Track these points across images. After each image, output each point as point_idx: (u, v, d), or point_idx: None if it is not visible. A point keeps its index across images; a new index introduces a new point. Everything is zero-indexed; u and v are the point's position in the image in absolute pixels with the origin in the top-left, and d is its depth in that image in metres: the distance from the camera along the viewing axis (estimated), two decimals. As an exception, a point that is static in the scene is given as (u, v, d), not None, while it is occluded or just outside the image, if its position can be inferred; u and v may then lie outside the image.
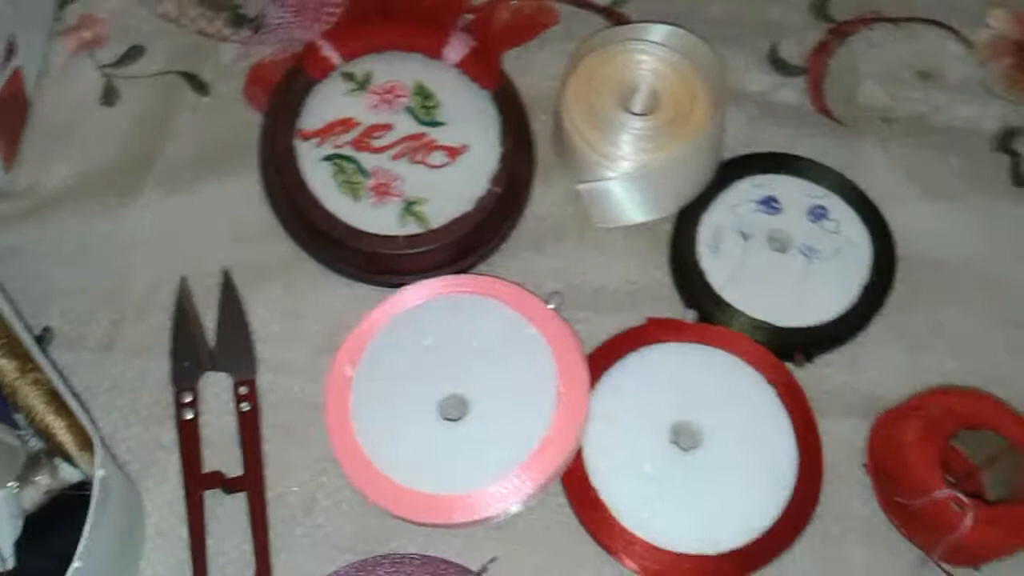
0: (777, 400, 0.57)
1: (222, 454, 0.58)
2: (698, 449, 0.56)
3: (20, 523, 0.52)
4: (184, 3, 0.70)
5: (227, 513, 0.56)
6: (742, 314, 0.60)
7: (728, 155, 0.65)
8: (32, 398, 0.53)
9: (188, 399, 0.58)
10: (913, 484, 0.53)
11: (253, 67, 0.67)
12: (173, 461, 0.57)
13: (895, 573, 0.55)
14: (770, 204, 0.63)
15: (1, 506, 0.52)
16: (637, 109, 0.63)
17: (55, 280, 0.62)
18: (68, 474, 0.54)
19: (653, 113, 0.62)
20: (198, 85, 0.68)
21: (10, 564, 0.50)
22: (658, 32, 0.64)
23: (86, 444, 0.53)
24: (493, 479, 0.54)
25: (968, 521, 0.51)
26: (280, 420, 0.59)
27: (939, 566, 0.54)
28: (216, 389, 0.60)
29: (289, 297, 0.62)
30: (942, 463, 0.53)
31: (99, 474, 0.47)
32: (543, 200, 0.65)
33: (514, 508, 0.55)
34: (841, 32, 0.72)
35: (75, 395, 0.50)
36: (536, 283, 0.61)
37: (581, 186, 0.62)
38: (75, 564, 0.45)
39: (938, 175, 0.67)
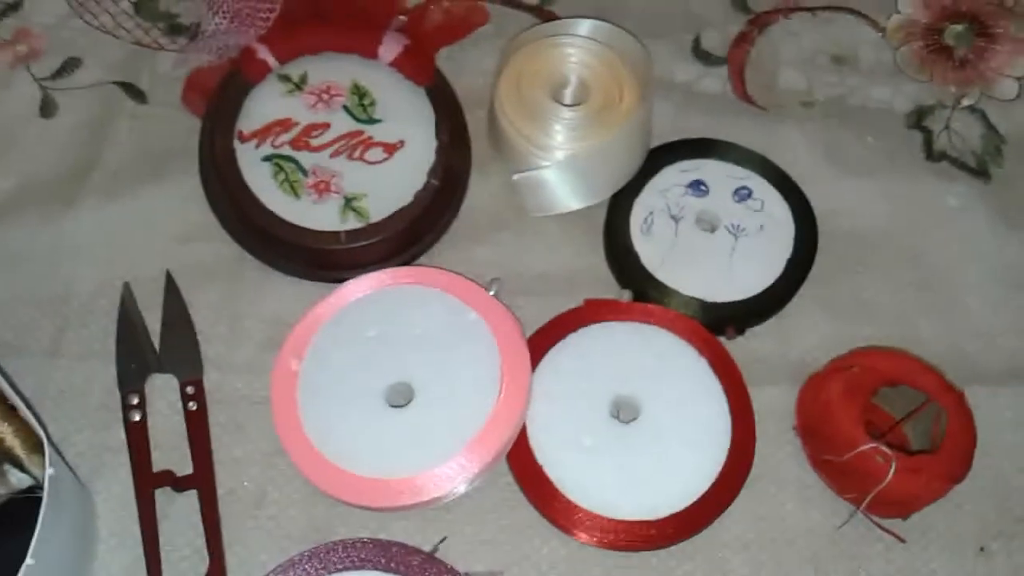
0: (710, 371, 0.59)
1: (171, 453, 0.59)
2: (637, 421, 0.58)
3: (-29, 528, 0.52)
4: (120, 15, 0.71)
5: (179, 511, 0.57)
6: (675, 292, 0.62)
7: (656, 142, 0.68)
8: (-22, 404, 0.53)
9: (135, 401, 0.59)
10: (839, 440, 0.55)
11: (190, 74, 0.68)
12: (123, 462, 0.58)
13: (827, 527, 0.58)
14: (698, 187, 0.66)
15: (-48, 511, 0.52)
16: (567, 100, 0.66)
17: (-2, 289, 0.62)
18: (17, 480, 0.54)
19: (583, 103, 0.64)
20: (136, 94, 0.69)
21: (-39, 568, 0.51)
22: (585, 26, 0.67)
23: (35, 447, 0.53)
24: (440, 461, 0.56)
25: (892, 471, 0.53)
26: (228, 418, 0.60)
27: (868, 517, 0.57)
28: (163, 390, 0.60)
29: (233, 297, 0.63)
30: (865, 420, 0.55)
31: (49, 472, 0.48)
32: (480, 192, 0.67)
33: (461, 488, 0.56)
34: (760, 22, 0.75)
35: (21, 396, 0.51)
36: (476, 272, 0.63)
37: (516, 176, 0.64)
38: (28, 561, 0.46)
39: (855, 153, 0.70)
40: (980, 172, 0.70)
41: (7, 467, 0.54)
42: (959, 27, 0.75)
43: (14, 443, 0.53)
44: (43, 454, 0.53)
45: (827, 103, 0.72)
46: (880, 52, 0.75)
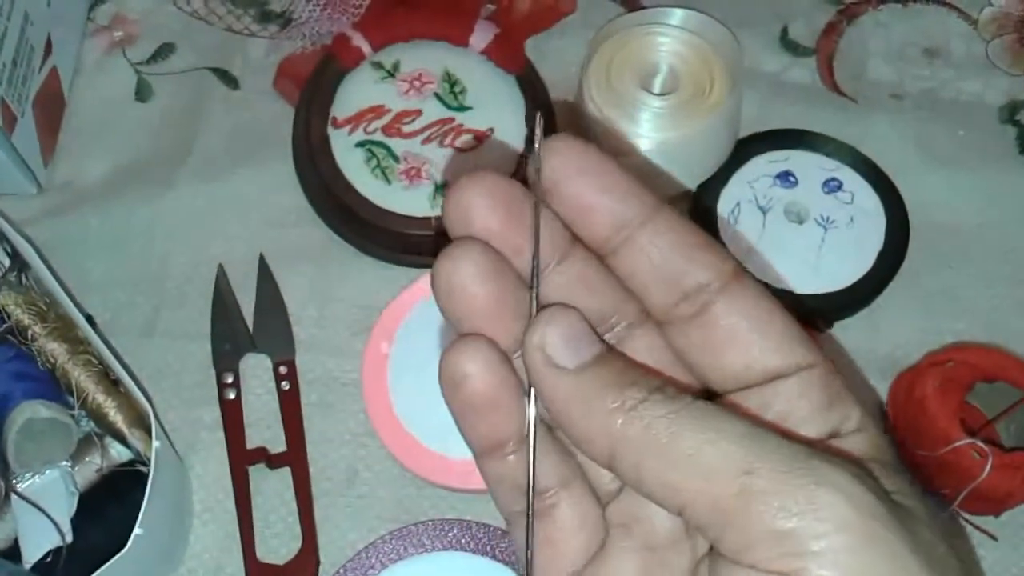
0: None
1: (264, 431, 0.60)
2: (726, 411, 0.58)
3: (75, 500, 0.54)
4: (212, 2, 0.72)
5: (271, 488, 0.58)
6: (763, 284, 0.62)
7: (744, 133, 0.67)
8: (83, 379, 0.55)
9: (229, 380, 0.60)
10: (934, 435, 0.55)
11: (282, 61, 0.69)
12: (217, 439, 0.59)
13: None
14: (786, 178, 0.65)
15: (58, 483, 0.54)
16: (657, 89, 0.65)
17: (94, 271, 0.64)
18: (118, 453, 0.56)
19: (672, 93, 0.64)
20: (229, 80, 0.70)
21: (68, 539, 0.52)
22: (677, 16, 0.66)
23: (137, 422, 0.55)
24: (529, 446, 0.56)
25: (988, 468, 0.53)
26: (319, 398, 0.61)
27: (960, 515, 0.56)
28: (256, 370, 0.62)
29: (324, 280, 0.64)
30: (960, 415, 0.55)
31: (156, 444, 0.49)
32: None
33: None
34: (850, 13, 0.74)
35: (128, 370, 0.52)
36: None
37: (604, 164, 0.64)
38: (136, 531, 0.47)
39: (947, 146, 0.69)
40: (1076, 167, 0.69)
41: (109, 441, 0.56)
42: (1055, 19, 0.73)
43: (117, 417, 0.54)
44: (144, 428, 0.55)
45: (917, 95, 0.71)
46: (971, 45, 0.74)
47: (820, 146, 0.67)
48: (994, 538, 0.57)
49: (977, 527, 0.56)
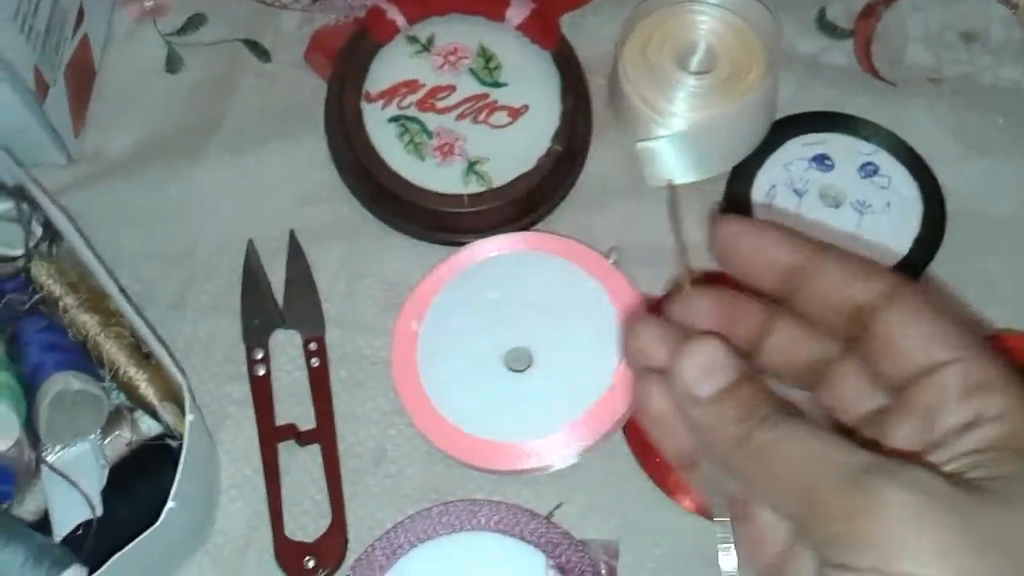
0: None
1: (293, 408, 0.59)
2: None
3: (106, 472, 0.54)
4: (244, -28, 0.71)
5: (299, 465, 0.58)
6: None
7: (780, 115, 0.66)
8: (114, 352, 0.54)
9: (259, 356, 0.60)
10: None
11: (315, 33, 0.69)
12: (246, 416, 0.59)
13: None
14: (822, 161, 0.65)
15: (88, 455, 0.54)
16: (694, 68, 0.65)
17: (123, 243, 0.63)
18: (148, 427, 0.56)
19: (710, 72, 0.63)
20: (260, 52, 0.69)
21: (99, 511, 0.52)
22: (715, -8, 0.66)
23: (168, 395, 0.55)
24: (557, 428, 0.56)
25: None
26: (348, 375, 0.61)
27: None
28: (285, 346, 0.61)
29: (354, 256, 0.64)
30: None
31: (190, 418, 0.49)
32: (599, 161, 0.67)
33: (577, 456, 0.56)
34: (887, -6, 0.73)
35: (162, 343, 0.52)
36: (594, 241, 0.63)
37: (639, 144, 0.63)
38: (169, 504, 0.47)
39: (984, 133, 0.68)
40: (1115, 156, 0.68)
41: (139, 414, 0.56)
42: (1097, 5, 0.72)
43: (148, 391, 0.54)
44: (175, 402, 0.54)
45: (955, 80, 0.70)
46: (1010, 30, 0.72)
47: (857, 129, 0.66)
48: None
49: None
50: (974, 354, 0.29)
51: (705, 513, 0.56)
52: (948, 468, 0.28)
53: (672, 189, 0.31)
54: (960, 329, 0.30)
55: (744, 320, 0.35)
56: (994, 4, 0.73)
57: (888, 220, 0.63)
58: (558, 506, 0.57)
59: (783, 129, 0.66)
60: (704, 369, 0.30)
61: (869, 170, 0.65)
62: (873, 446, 0.29)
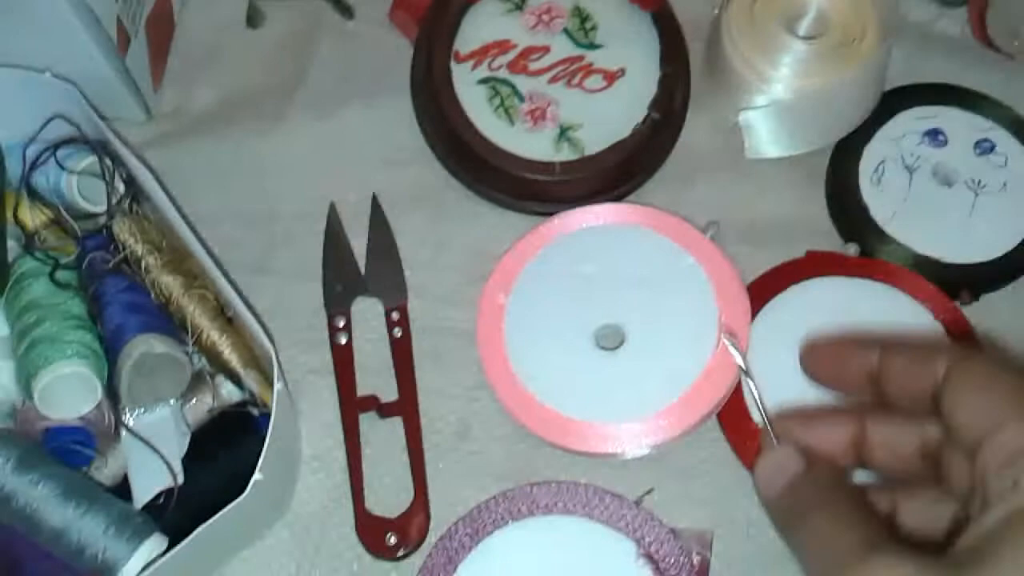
0: (944, 337, 0.55)
1: (374, 378, 0.58)
2: (866, 384, 0.54)
3: (187, 439, 0.52)
4: (328, -74, 0.69)
5: (380, 438, 0.56)
6: (906, 249, 0.58)
7: (889, 86, 0.63)
8: (198, 315, 0.53)
9: (341, 324, 0.58)
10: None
11: (400, -10, 0.66)
12: (327, 385, 0.57)
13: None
14: (935, 136, 0.61)
15: (169, 420, 0.53)
16: (803, 32, 0.61)
17: (202, 204, 0.61)
18: (229, 393, 0.54)
19: (819, 37, 0.60)
20: (343, 9, 0.67)
21: (180, 479, 0.51)
22: (825, -45, 0.62)
23: (251, 362, 0.53)
24: (651, 411, 0.54)
25: None
26: (430, 347, 0.58)
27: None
28: (367, 315, 0.59)
29: (438, 224, 0.61)
30: None
31: (278, 386, 0.47)
32: (695, 130, 0.63)
33: (671, 441, 0.54)
34: (1003, -40, 0.68)
35: (249, 307, 0.50)
36: (688, 214, 0.59)
37: (741, 113, 0.60)
38: (256, 476, 0.45)
39: (1110, 111, 0.64)
40: None
41: (220, 380, 0.54)
42: None
43: (232, 356, 0.53)
44: (259, 369, 0.53)
45: (1077, 53, 0.66)
46: None
47: (973, 104, 0.62)
48: None
49: None
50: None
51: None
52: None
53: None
54: (1014, 394, 0.33)
55: (834, 436, 0.40)
56: (1121, -28, 0.68)
57: (1005, 201, 0.59)
58: (648, 491, 0.54)
59: (894, 101, 0.62)
60: (768, 473, 0.39)
61: (985, 147, 0.61)
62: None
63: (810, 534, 0.35)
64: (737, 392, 0.55)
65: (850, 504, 0.35)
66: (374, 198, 0.61)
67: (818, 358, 0.42)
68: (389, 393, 0.57)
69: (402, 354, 0.58)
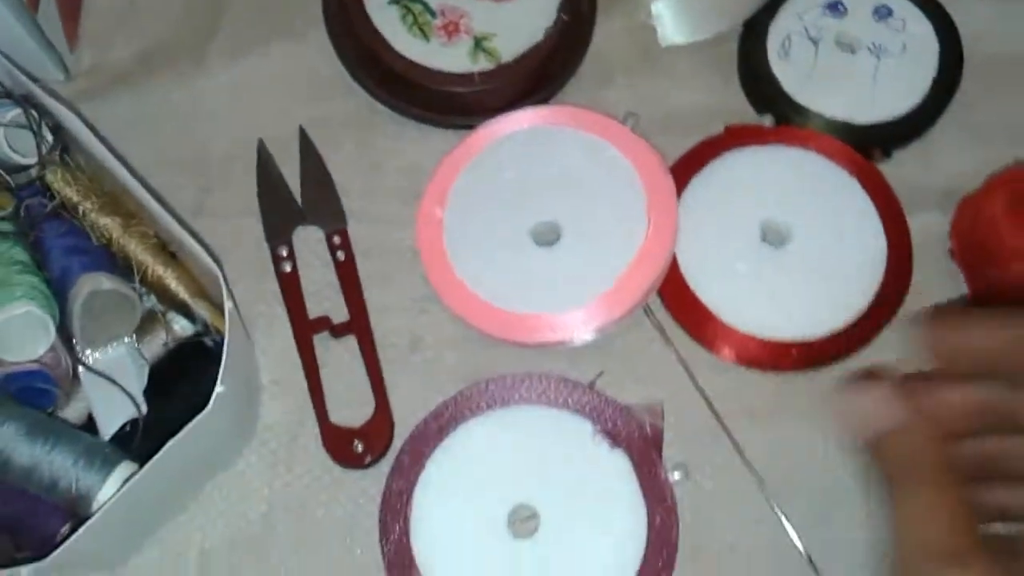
0: (862, 192, 0.58)
1: (324, 303, 0.59)
2: (789, 244, 0.57)
3: (146, 372, 0.54)
4: None
5: (336, 358, 0.58)
6: (818, 115, 0.61)
7: (786, -37, 0.65)
8: (140, 252, 0.54)
9: (284, 252, 0.60)
10: (1006, 254, 0.54)
11: (306, -78, 0.67)
12: (277, 314, 0.59)
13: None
14: (836, 7, 0.63)
15: (126, 357, 0.54)
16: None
17: (133, 153, 0.61)
18: (182, 327, 0.56)
19: (712, -74, 0.62)
20: (254, -50, 0.68)
21: (143, 410, 0.52)
22: None
23: (199, 292, 0.54)
24: (592, 297, 0.56)
25: (1067, 278, 0.52)
26: (375, 267, 0.60)
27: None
28: (309, 243, 0.61)
29: (368, 148, 0.63)
30: (1032, 230, 0.54)
31: (228, 305, 0.48)
32: (605, 33, 0.65)
33: (613, 325, 0.56)
34: None
35: (193, 234, 0.51)
36: (608, 111, 0.61)
37: (652, 5, 0.62)
38: (218, 388, 0.47)
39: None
40: None
41: (172, 316, 0.55)
42: None
43: (179, 289, 0.54)
44: (207, 299, 0.54)
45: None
46: None
47: (868, -26, 0.65)
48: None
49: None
50: None
51: (744, 362, 0.56)
52: None
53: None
54: None
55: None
56: None
57: (905, 63, 0.62)
58: (600, 374, 0.56)
59: (791, -22, 0.64)
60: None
61: (883, 13, 0.63)
62: None
63: (913, 505, 0.34)
64: (675, 267, 0.57)
65: (959, 498, 0.34)
66: (301, 130, 0.62)
67: (944, 340, 0.36)
68: (341, 315, 0.59)
69: (348, 276, 0.59)
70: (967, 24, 0.63)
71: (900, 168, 0.61)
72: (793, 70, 0.62)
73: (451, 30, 0.61)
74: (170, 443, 0.45)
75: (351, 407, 0.57)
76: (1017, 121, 0.63)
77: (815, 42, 0.62)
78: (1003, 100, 0.63)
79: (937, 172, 0.61)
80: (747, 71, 0.63)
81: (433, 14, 0.61)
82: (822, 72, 0.62)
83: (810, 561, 0.52)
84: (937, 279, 0.58)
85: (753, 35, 0.63)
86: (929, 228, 0.59)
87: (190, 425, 0.46)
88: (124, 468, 0.48)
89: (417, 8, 0.61)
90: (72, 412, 0.52)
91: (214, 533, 0.54)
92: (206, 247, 0.50)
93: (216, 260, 0.50)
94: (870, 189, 0.58)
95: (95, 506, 0.47)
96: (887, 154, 0.61)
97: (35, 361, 0.50)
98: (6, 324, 0.48)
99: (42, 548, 0.45)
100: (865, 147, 0.60)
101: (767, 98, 0.62)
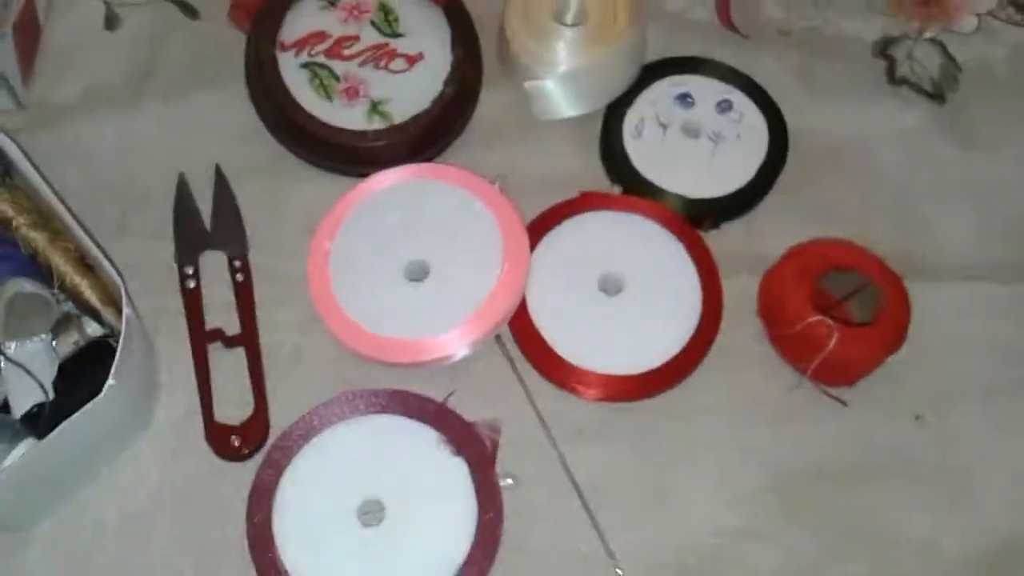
0: (686, 255, 0.69)
1: (221, 318, 0.68)
2: (621, 294, 0.67)
3: (56, 365, 0.62)
4: (173, -61, 0.80)
5: (228, 366, 0.67)
6: (660, 188, 0.71)
7: (649, 60, 0.76)
8: (61, 264, 0.63)
9: (190, 271, 0.69)
10: (791, 315, 0.64)
11: (236, -7, 0.78)
12: (180, 324, 0.68)
13: (782, 394, 0.67)
14: (684, 99, 0.75)
15: (41, 352, 0.63)
16: (568, 21, 0.74)
17: (69, 179, 0.71)
18: (93, 329, 0.64)
19: (581, 24, 0.73)
20: (189, 11, 0.78)
21: (50, 396, 0.61)
22: (584, -44, 0.75)
23: (109, 301, 0.63)
24: (451, 325, 0.65)
25: (834, 339, 0.62)
26: (269, 291, 0.69)
27: (816, 385, 0.66)
28: (214, 266, 0.70)
29: (275, 189, 0.73)
30: (816, 300, 0.64)
31: (126, 311, 0.57)
32: (490, 104, 0.76)
33: (467, 349, 0.66)
34: (746, -41, 0.83)
35: (101, 249, 0.60)
36: (485, 172, 0.71)
37: (527, 83, 0.73)
38: (110, 381, 0.56)
39: (825, 76, 0.79)
40: (936, 96, 0.78)
41: (85, 320, 0.64)
42: (926, -34, 0.83)
43: (92, 296, 0.63)
44: (115, 307, 0.63)
45: (802, 32, 0.81)
46: (854, -12, 0.83)
47: (716, 72, 0.76)
48: (844, 403, 0.66)
49: (830, 395, 0.66)
50: None
51: (576, 390, 0.66)
52: None
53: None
54: None
55: None
56: (840, -35, 0.84)
57: (739, 149, 0.73)
58: (451, 393, 0.66)
59: (651, 72, 0.76)
60: None
61: (724, 106, 0.75)
62: None
63: None
64: (524, 308, 0.67)
65: None
66: (217, 168, 0.72)
67: None
68: (234, 330, 0.68)
69: (244, 295, 0.68)
70: (794, 119, 0.75)
71: (726, 237, 0.72)
72: (643, 149, 0.73)
73: (351, 93, 0.71)
74: (65, 423, 0.54)
75: (236, 406, 0.65)
76: (828, 203, 0.74)
77: (664, 127, 0.74)
78: (818, 185, 0.75)
79: (757, 243, 0.72)
80: (605, 146, 0.74)
81: (337, 79, 0.71)
82: (667, 152, 0.73)
83: (612, 558, 0.62)
84: (743, 329, 0.69)
85: (612, 117, 0.74)
86: (744, 288, 0.70)
87: (83, 409, 0.55)
88: (28, 443, 0.57)
89: (324, 73, 0.71)
90: (-10, 394, 0.61)
91: (109, 507, 0.63)
92: (112, 263, 0.60)
93: (120, 273, 0.59)
94: (693, 253, 0.69)
95: (1, 473, 0.56)
96: (716, 225, 0.72)
97: (-40, 349, 0.59)
98: (-63, 315, 0.57)
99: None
100: (698, 218, 0.71)
101: (619, 171, 0.72)
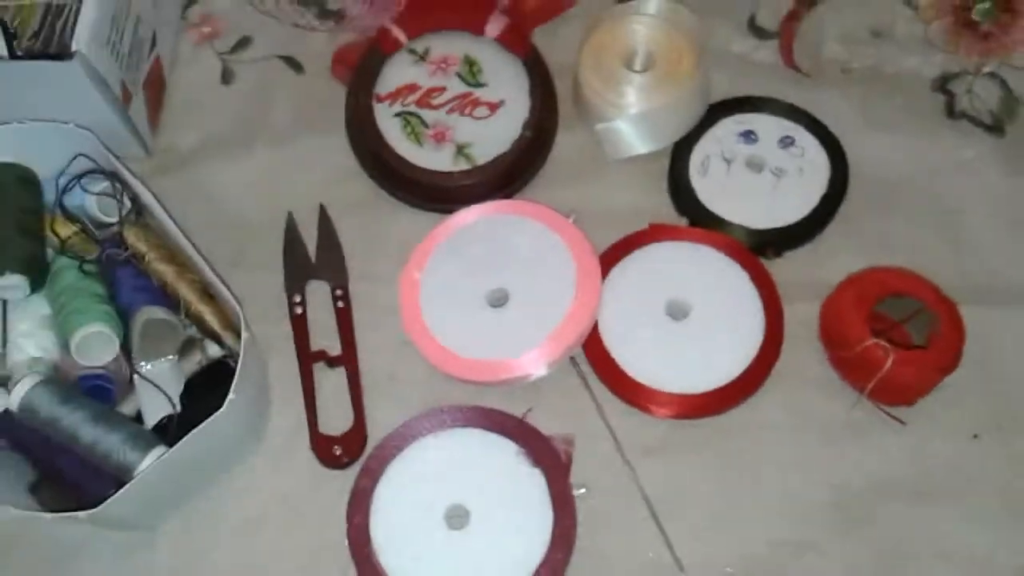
0: (750, 282, 0.73)
1: (324, 340, 0.76)
2: (687, 319, 0.73)
3: (182, 382, 0.71)
4: (281, 1, 0.89)
5: (330, 385, 0.74)
6: (725, 221, 0.76)
7: (715, 100, 0.82)
8: (187, 293, 0.71)
9: (298, 299, 0.77)
10: (850, 338, 0.68)
11: (337, 49, 0.86)
12: (288, 347, 0.75)
13: (838, 410, 0.71)
14: (748, 136, 0.80)
15: (169, 371, 0.71)
16: (637, 67, 0.80)
17: (191, 218, 0.79)
18: (214, 351, 0.73)
19: (649, 70, 0.79)
20: (295, 66, 0.87)
21: (177, 409, 0.69)
22: (652, 5, 0.81)
23: (228, 327, 0.72)
24: (529, 347, 0.72)
25: (890, 361, 0.66)
26: (366, 317, 0.77)
27: (875, 404, 0.70)
28: (318, 294, 0.78)
29: (371, 224, 0.80)
30: (871, 322, 0.68)
31: (245, 335, 0.65)
32: (565, 146, 0.82)
33: (544, 370, 0.72)
34: (809, 1, 0.88)
35: (223, 280, 0.69)
36: (559, 207, 0.77)
37: (599, 126, 0.79)
38: (231, 396, 0.63)
39: (885, 112, 0.83)
40: (995, 129, 0.82)
41: (207, 342, 0.72)
42: (985, 4, 0.86)
43: (213, 321, 0.71)
44: (234, 331, 0.71)
45: (864, 70, 0.85)
46: (913, 27, 0.87)
47: (779, 110, 0.81)
48: (902, 423, 0.70)
49: (888, 413, 0.70)
50: None
51: (645, 408, 0.71)
52: None
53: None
54: None
55: None
56: (899, 5, 0.88)
57: (801, 182, 0.78)
58: (529, 409, 0.72)
59: (717, 111, 0.81)
60: None
61: (787, 142, 0.79)
62: None
63: None
64: (596, 331, 0.73)
65: None
66: (321, 207, 0.80)
67: None
68: (336, 351, 0.75)
69: (344, 320, 0.76)
70: (855, 153, 0.79)
71: (789, 265, 0.76)
72: (709, 183, 0.78)
73: (439, 138, 0.78)
74: (191, 433, 0.62)
75: (338, 420, 0.73)
76: (887, 232, 0.78)
77: (728, 162, 0.79)
78: (878, 216, 0.78)
79: (818, 271, 0.76)
80: (672, 182, 0.79)
81: (426, 125, 0.79)
82: (732, 186, 0.78)
83: (679, 564, 0.67)
84: (805, 351, 0.73)
85: (679, 154, 0.80)
86: (806, 313, 0.74)
87: (207, 421, 0.62)
88: (158, 450, 0.65)
89: (414, 120, 0.79)
90: (126, 407, 0.70)
91: (226, 510, 0.70)
92: (231, 292, 0.68)
93: (239, 302, 0.67)
94: (756, 280, 0.74)
95: (135, 476, 0.64)
96: (778, 254, 0.76)
97: (103, 367, 0.68)
98: (85, 339, 0.67)
99: (96, 505, 0.61)
100: (762, 247, 0.76)
101: (686, 203, 0.78)
